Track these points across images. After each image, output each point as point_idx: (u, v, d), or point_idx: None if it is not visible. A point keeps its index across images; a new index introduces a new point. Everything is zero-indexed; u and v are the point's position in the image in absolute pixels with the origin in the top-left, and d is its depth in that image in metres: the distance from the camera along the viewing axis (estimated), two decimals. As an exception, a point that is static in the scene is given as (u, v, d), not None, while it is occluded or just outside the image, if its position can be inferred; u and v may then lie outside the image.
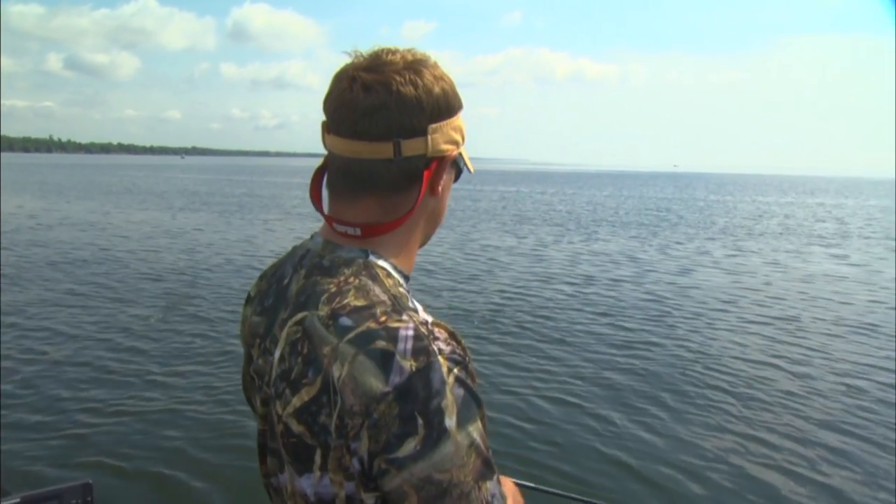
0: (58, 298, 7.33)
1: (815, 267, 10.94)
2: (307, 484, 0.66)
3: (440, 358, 0.62)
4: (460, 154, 0.77)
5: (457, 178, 0.81)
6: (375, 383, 0.59)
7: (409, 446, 0.59)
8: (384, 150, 0.69)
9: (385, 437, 0.59)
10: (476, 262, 10.48)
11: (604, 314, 6.97)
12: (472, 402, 0.63)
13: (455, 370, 0.62)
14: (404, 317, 0.63)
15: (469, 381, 0.64)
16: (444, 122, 0.72)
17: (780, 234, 16.41)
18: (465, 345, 0.67)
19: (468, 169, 0.79)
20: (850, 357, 5.51)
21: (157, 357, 5.27)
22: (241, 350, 0.87)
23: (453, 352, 0.64)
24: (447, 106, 0.72)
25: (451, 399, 0.60)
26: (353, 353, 0.61)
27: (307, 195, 0.89)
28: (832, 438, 3.84)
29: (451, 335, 0.66)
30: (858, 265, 11.24)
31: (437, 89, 0.71)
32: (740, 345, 5.89)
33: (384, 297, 0.66)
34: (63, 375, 4.74)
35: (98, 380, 4.68)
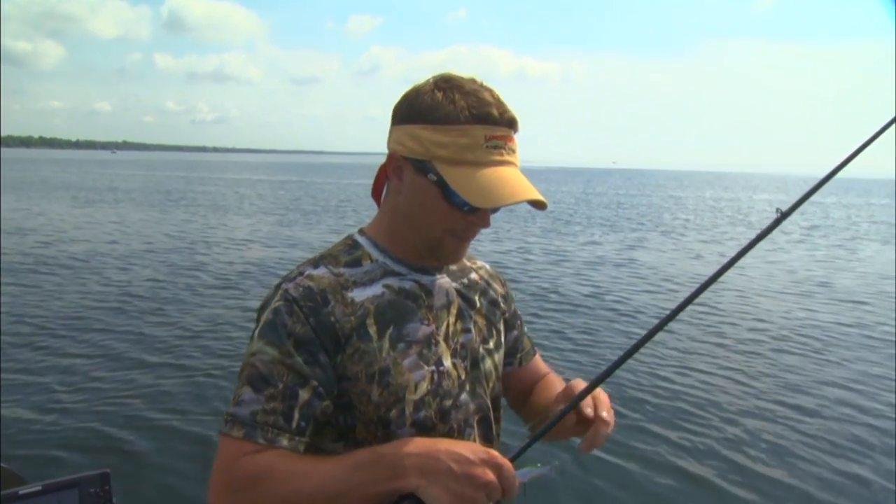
0: (68, 289, 7.37)
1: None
2: None
3: (278, 293, 0.88)
4: (429, 165, 0.84)
5: (448, 199, 0.85)
6: None
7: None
8: None
9: None
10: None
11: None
12: (275, 327, 0.84)
13: (280, 303, 0.86)
14: (301, 268, 0.92)
15: (286, 314, 0.84)
16: (401, 126, 0.88)
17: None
18: (323, 297, 0.87)
19: (468, 201, 0.83)
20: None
21: (174, 345, 5.32)
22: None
23: (288, 294, 0.86)
24: (404, 113, 0.88)
25: (266, 317, 0.86)
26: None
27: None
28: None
29: (308, 289, 0.87)
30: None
31: (401, 98, 0.89)
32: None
33: (317, 257, 0.95)
34: (77, 366, 4.75)
35: (113, 369, 4.70)
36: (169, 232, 12.94)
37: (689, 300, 0.86)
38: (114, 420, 3.83)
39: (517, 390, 1.14)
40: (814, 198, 1.12)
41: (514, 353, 1.14)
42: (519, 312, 1.17)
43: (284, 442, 0.78)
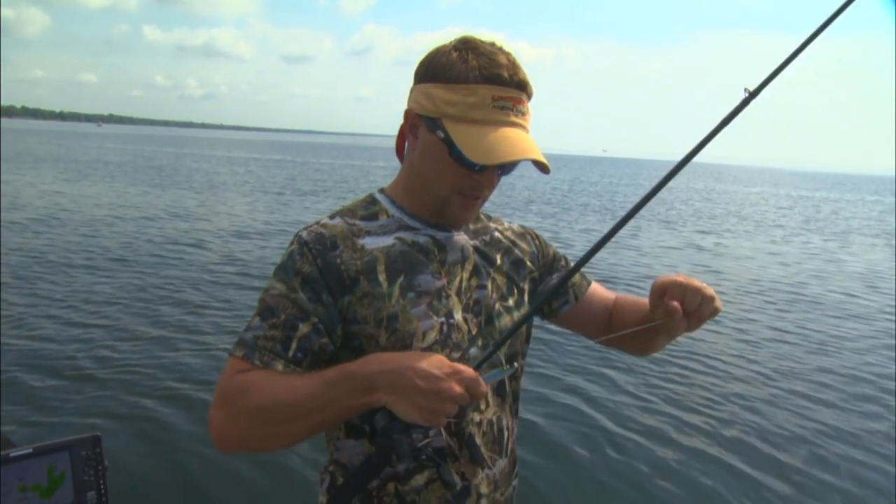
0: (59, 256, 7.49)
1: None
2: None
3: (295, 239, 0.94)
4: (439, 123, 0.86)
5: (453, 156, 0.87)
6: None
7: None
8: None
9: None
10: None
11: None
12: (286, 267, 0.90)
13: (294, 246, 0.92)
14: (320, 219, 0.98)
15: (297, 255, 0.90)
16: (419, 85, 0.91)
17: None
18: (333, 240, 0.93)
19: (469, 157, 0.84)
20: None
21: (173, 316, 5.38)
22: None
23: (301, 239, 0.93)
24: (422, 72, 0.90)
25: (282, 259, 0.92)
26: None
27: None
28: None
29: (320, 234, 0.93)
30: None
31: (422, 58, 0.91)
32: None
33: (336, 211, 1.00)
34: (69, 332, 4.80)
35: (105, 334, 4.77)
36: (167, 207, 12.79)
37: (666, 179, 0.86)
38: (108, 386, 3.84)
39: (591, 322, 1.14)
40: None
41: (566, 291, 1.13)
42: (561, 254, 1.18)
43: (279, 367, 0.84)
